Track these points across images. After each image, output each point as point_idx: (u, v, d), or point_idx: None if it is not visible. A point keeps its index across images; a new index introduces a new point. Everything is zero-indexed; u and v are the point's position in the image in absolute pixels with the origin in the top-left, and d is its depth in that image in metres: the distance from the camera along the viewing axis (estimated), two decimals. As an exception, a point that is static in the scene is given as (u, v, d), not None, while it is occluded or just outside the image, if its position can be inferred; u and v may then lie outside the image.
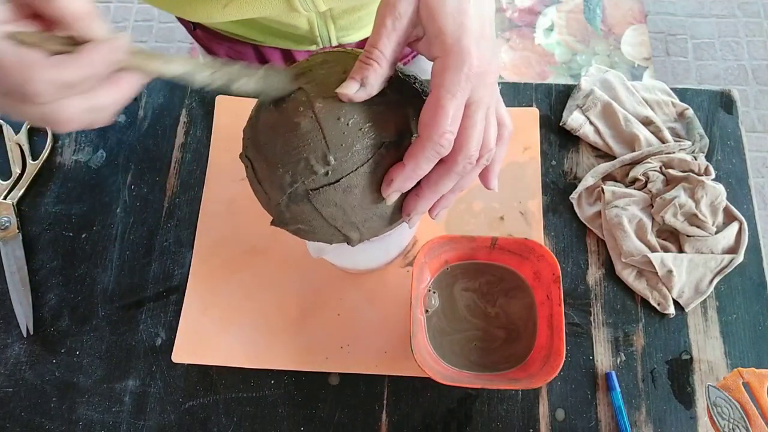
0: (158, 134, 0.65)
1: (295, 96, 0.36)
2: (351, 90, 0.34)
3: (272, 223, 0.39)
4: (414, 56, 0.80)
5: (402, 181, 0.35)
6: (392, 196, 0.36)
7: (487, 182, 0.40)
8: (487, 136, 0.36)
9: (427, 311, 0.55)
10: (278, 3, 0.55)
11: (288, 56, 0.73)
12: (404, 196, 0.37)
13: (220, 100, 0.65)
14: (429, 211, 0.39)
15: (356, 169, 0.35)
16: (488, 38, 0.34)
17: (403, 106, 0.37)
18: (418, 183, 0.36)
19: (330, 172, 0.35)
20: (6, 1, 0.30)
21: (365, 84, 0.34)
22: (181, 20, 0.73)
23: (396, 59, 0.35)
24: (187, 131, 0.65)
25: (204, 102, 0.66)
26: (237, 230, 0.61)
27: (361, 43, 0.69)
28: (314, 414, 0.55)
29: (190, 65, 0.33)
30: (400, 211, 0.38)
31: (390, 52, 0.34)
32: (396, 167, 0.35)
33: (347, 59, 0.38)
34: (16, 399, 0.56)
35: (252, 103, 0.41)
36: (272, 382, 0.56)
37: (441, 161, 0.35)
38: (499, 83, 0.67)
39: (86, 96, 0.30)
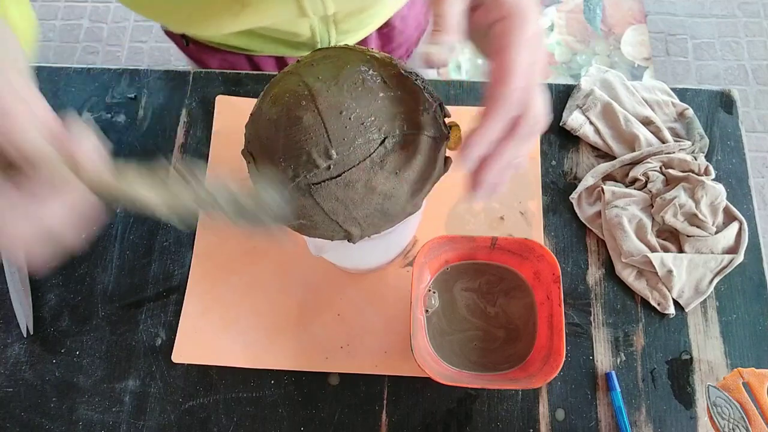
0: (158, 134, 0.65)
1: (298, 91, 0.36)
2: (435, 50, 0.34)
3: None
4: (409, 55, 0.80)
5: (479, 145, 0.35)
6: (471, 164, 0.36)
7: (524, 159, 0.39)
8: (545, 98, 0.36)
9: (427, 311, 0.55)
10: (289, 9, 0.55)
11: (281, 63, 0.73)
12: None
13: (220, 100, 0.65)
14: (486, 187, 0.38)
15: (358, 164, 0.35)
16: (537, 1, 0.35)
17: (405, 102, 0.37)
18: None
19: (332, 167, 0.35)
20: None
21: (442, 47, 0.34)
22: (171, 36, 0.73)
23: (461, 25, 0.35)
24: (187, 131, 0.65)
25: (204, 102, 0.66)
26: (237, 230, 0.61)
27: (359, 44, 0.70)
28: (314, 414, 0.55)
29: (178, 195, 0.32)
30: (401, 208, 0.38)
31: (457, 14, 0.34)
32: (471, 134, 0.35)
33: (348, 54, 0.38)
34: (16, 399, 0.56)
35: (253, 101, 0.41)
36: (272, 382, 0.56)
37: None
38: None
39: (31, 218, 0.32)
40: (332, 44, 0.66)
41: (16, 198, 0.30)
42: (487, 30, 0.35)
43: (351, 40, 0.68)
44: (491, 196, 0.38)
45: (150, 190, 0.31)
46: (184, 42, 0.71)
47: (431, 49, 0.34)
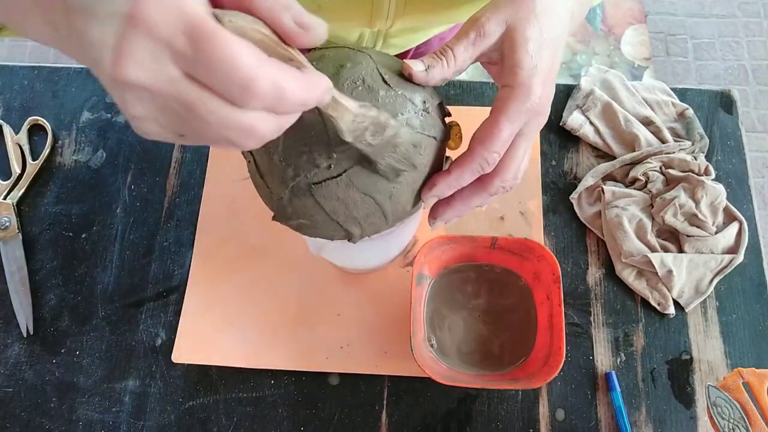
0: (158, 134, 0.65)
1: None
2: (417, 67, 0.36)
3: (274, 218, 0.39)
4: None
5: (444, 187, 0.37)
6: (430, 201, 0.38)
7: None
8: (522, 167, 0.39)
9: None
10: (359, 20, 0.54)
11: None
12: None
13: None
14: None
15: (359, 163, 0.35)
16: (553, 83, 0.38)
17: (405, 101, 0.37)
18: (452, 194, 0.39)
19: (333, 166, 0.35)
20: None
21: (428, 71, 0.36)
22: None
23: (461, 69, 0.37)
24: (187, 131, 0.65)
25: (204, 102, 0.66)
26: (237, 230, 0.61)
27: (397, 56, 0.70)
28: (314, 414, 0.55)
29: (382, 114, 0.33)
30: (402, 207, 0.38)
31: (461, 60, 0.36)
32: (441, 174, 0.37)
33: (348, 53, 0.38)
34: (16, 399, 0.56)
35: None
36: (272, 382, 0.56)
37: (478, 179, 0.38)
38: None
39: (279, 117, 0.27)
40: None
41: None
42: (500, 86, 0.37)
43: (391, 52, 0.67)
44: (447, 224, 0.41)
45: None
46: None
47: (417, 66, 0.36)
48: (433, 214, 0.40)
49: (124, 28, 0.22)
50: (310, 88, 0.26)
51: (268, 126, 0.26)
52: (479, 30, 0.36)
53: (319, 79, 0.27)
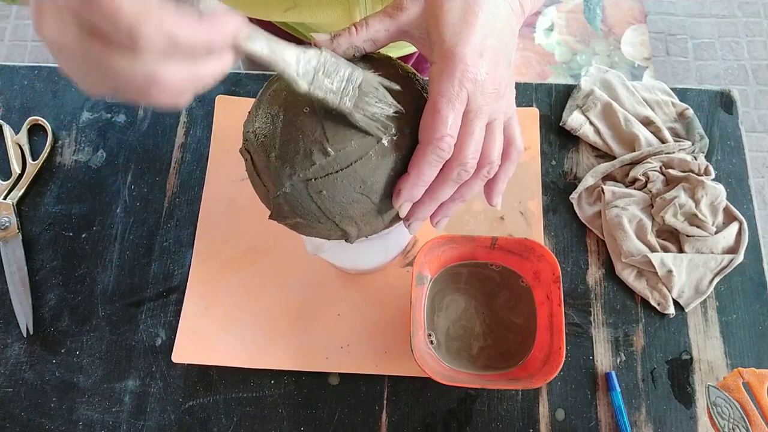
0: (158, 134, 0.65)
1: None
2: (320, 37, 0.35)
3: (271, 216, 0.39)
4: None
5: (409, 189, 0.35)
6: (404, 207, 0.36)
7: (489, 198, 0.40)
8: (488, 147, 0.36)
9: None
10: (337, 13, 0.55)
11: None
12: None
13: (220, 99, 0.65)
14: (430, 218, 0.39)
15: (355, 162, 0.35)
16: (493, 52, 0.34)
17: (403, 101, 0.37)
18: None
19: (328, 164, 0.35)
20: None
21: (333, 40, 0.35)
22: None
23: (378, 42, 0.36)
24: (187, 131, 0.65)
25: (204, 102, 0.66)
26: (237, 230, 0.61)
27: (401, 59, 0.70)
28: (314, 414, 0.55)
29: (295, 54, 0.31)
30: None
31: (374, 30, 0.35)
32: (402, 177, 0.36)
33: None
34: (16, 399, 0.56)
35: (252, 101, 0.41)
36: (272, 382, 0.56)
37: (441, 169, 0.35)
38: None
39: (189, 63, 0.26)
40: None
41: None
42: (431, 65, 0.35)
43: (393, 54, 0.68)
44: (442, 227, 0.39)
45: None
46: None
47: (321, 37, 0.35)
48: (407, 216, 0.38)
49: None
50: (208, 29, 0.26)
51: (176, 75, 0.26)
52: (397, 4, 0.35)
53: (225, 20, 0.26)
